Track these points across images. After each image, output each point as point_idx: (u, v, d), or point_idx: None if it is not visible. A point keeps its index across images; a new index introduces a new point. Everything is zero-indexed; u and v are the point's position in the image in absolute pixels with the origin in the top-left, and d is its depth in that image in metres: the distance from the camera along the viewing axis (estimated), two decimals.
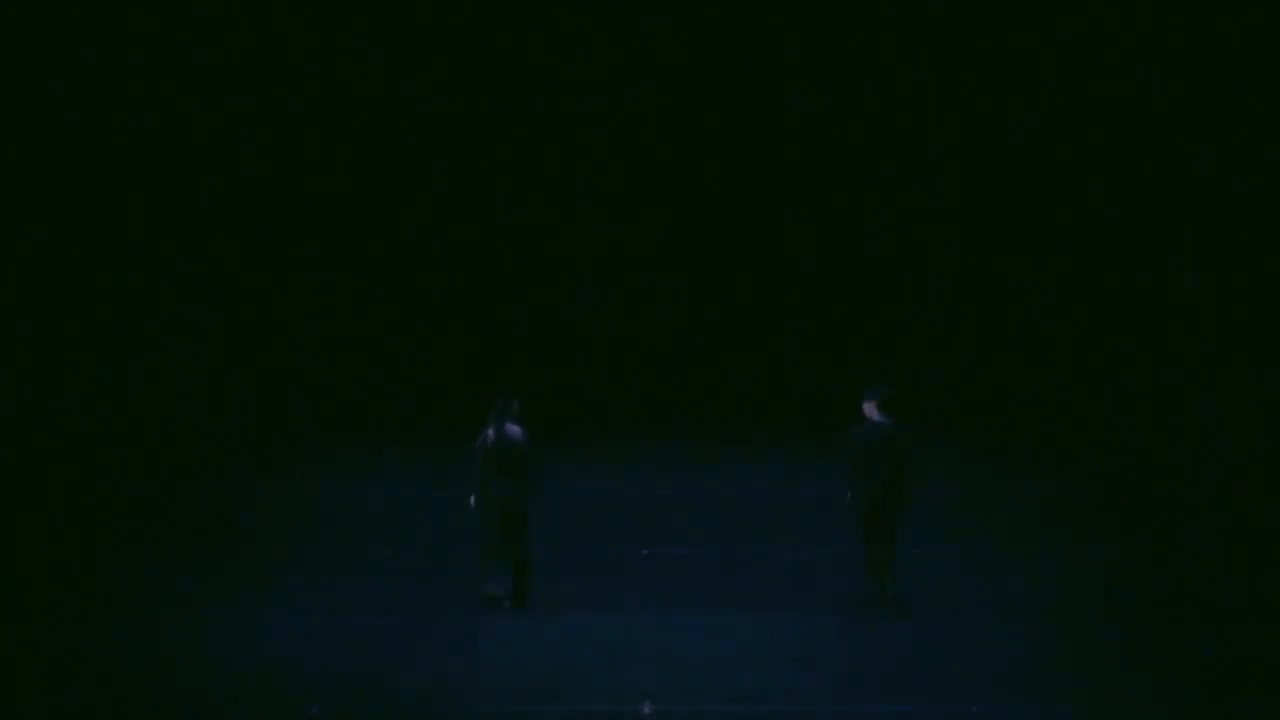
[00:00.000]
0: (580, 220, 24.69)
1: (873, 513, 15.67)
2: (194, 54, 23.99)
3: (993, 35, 24.04)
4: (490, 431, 16.01)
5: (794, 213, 24.57)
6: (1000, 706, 13.61)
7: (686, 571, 17.05)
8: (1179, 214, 24.00)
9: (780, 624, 15.46)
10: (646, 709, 13.60)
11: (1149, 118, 24.00)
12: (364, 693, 13.93)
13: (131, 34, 23.82)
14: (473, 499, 16.04)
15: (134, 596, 16.31)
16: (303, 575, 16.91)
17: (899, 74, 24.17)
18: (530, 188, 24.68)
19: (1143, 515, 19.08)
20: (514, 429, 16.06)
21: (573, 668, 14.44)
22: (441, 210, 24.70)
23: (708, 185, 24.66)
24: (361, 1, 24.24)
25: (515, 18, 24.15)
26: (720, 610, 15.83)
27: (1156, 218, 24.17)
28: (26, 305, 23.73)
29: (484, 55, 24.29)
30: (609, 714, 13.52)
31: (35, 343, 23.66)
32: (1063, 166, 24.30)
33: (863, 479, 15.66)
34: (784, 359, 24.01)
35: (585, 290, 24.70)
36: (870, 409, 15.88)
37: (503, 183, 24.69)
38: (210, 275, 24.45)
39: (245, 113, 24.25)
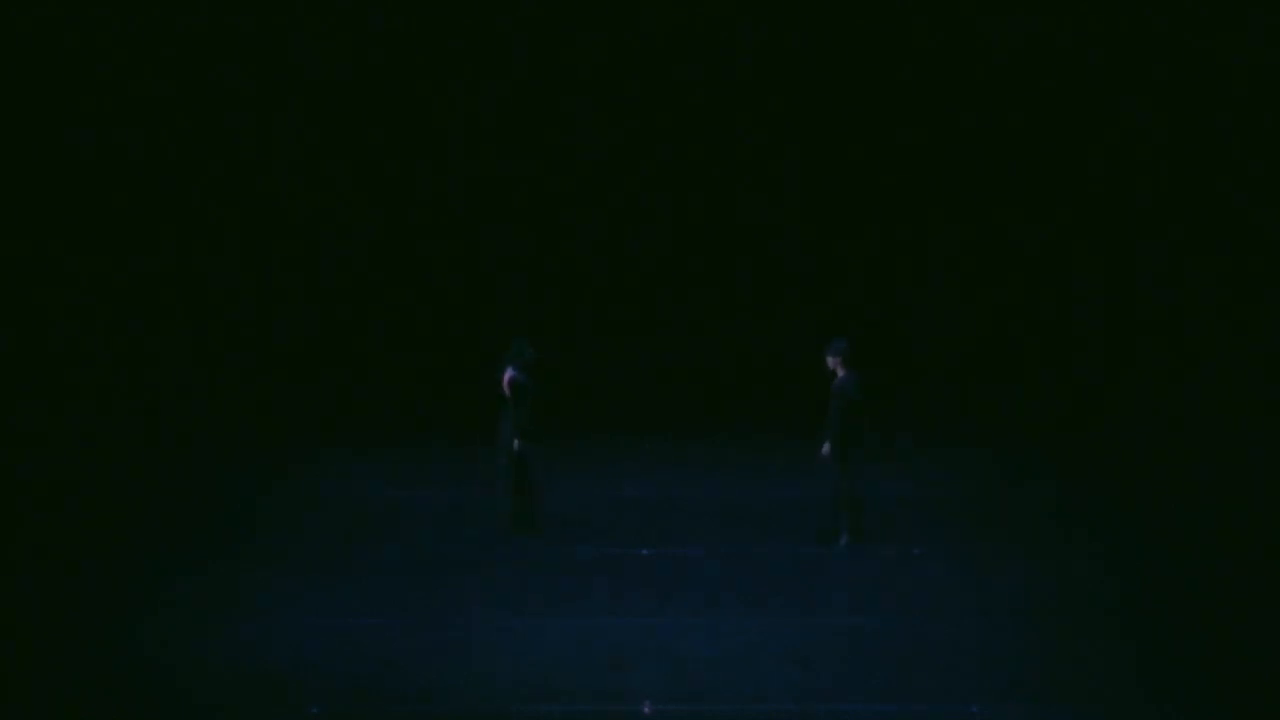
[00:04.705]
0: (578, 216, 24.72)
1: (855, 455, 17.34)
2: (184, 51, 23.99)
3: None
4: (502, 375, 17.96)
5: (794, 212, 24.58)
6: (1000, 706, 13.62)
7: (686, 571, 17.06)
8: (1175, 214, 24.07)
9: (780, 624, 15.47)
10: (646, 709, 13.61)
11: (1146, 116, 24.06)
12: (364, 693, 13.94)
13: (117, 24, 23.82)
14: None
15: (132, 597, 16.30)
16: (302, 576, 16.91)
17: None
18: (524, 191, 24.69)
19: (1144, 515, 19.08)
20: (512, 373, 17.76)
21: (573, 668, 14.44)
22: (440, 210, 24.70)
23: (705, 189, 24.67)
24: None
25: None
26: (720, 610, 15.84)
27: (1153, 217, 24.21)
28: (20, 301, 23.72)
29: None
30: (609, 714, 13.53)
31: (32, 341, 23.65)
32: (1062, 166, 24.32)
33: (849, 429, 17.35)
34: (784, 359, 24.00)
35: (584, 291, 24.73)
36: (835, 364, 17.53)
37: (502, 185, 24.71)
38: (207, 274, 24.44)
39: (237, 109, 24.23)
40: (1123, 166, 24.24)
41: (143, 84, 24.00)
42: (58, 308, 23.91)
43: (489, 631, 15.32)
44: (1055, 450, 22.05)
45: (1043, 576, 16.84)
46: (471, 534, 18.23)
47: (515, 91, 24.48)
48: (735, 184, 24.67)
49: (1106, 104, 24.12)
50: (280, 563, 17.36)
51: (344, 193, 24.57)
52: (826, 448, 17.57)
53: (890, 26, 24.20)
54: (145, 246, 24.25)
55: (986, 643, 15.01)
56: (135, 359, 24.00)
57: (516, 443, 17.81)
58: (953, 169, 24.44)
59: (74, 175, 23.93)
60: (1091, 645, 14.94)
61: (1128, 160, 24.20)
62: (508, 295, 24.55)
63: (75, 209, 23.94)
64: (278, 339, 24.47)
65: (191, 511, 19.38)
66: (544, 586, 16.56)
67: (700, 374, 24.39)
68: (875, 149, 24.44)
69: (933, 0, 24.15)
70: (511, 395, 17.87)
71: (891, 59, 24.26)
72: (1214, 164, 23.88)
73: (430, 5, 24.35)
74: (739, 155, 24.61)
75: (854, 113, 24.44)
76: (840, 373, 17.56)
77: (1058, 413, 23.43)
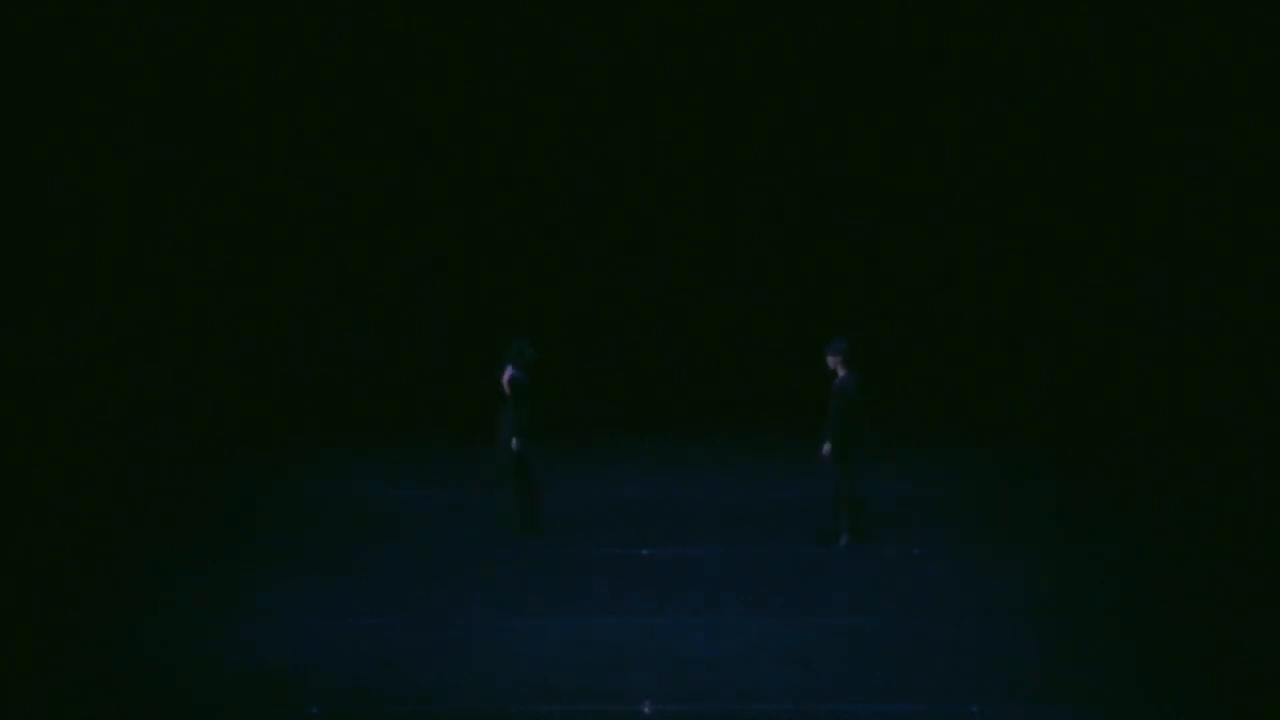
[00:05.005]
0: (577, 217, 24.70)
1: (855, 455, 17.53)
2: (187, 50, 23.98)
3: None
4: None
5: (793, 212, 24.58)
6: (1000, 706, 13.62)
7: (686, 571, 17.06)
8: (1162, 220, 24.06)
9: (780, 624, 15.47)
10: (646, 709, 13.60)
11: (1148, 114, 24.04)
12: (364, 693, 13.94)
13: (123, 23, 23.82)
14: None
15: (133, 597, 16.30)
16: (302, 576, 16.92)
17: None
18: (524, 191, 24.67)
19: (1143, 515, 19.08)
20: (513, 372, 17.85)
21: (573, 668, 14.44)
22: (439, 209, 24.69)
23: (706, 189, 24.66)
24: None
25: None
26: (720, 610, 15.84)
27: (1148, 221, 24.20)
28: (20, 301, 23.71)
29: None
30: (609, 714, 13.53)
31: (31, 339, 23.63)
32: (1063, 166, 24.31)
33: (849, 429, 17.40)
34: (785, 360, 23.99)
35: (584, 292, 24.71)
36: (835, 364, 17.64)
37: (499, 185, 24.69)
38: (206, 274, 24.42)
39: (237, 109, 24.22)
40: (1123, 167, 24.22)
41: (143, 84, 23.98)
42: (57, 307, 23.88)
43: (489, 631, 15.32)
44: (1055, 450, 22.05)
45: (1043, 576, 16.84)
46: (471, 534, 18.24)
47: (515, 91, 24.46)
48: (735, 184, 24.65)
49: (1109, 105, 24.09)
50: (280, 563, 17.36)
51: (344, 192, 24.55)
52: (826, 447, 17.58)
53: (890, 27, 24.17)
54: (144, 245, 24.22)
55: (986, 643, 15.01)
56: (135, 358, 23.97)
57: (516, 442, 17.82)
58: (954, 168, 24.41)
59: (73, 175, 23.90)
60: (1091, 645, 14.94)
61: (1129, 161, 24.17)
62: (508, 295, 24.53)
63: (74, 209, 23.91)
64: (278, 338, 24.44)
65: (191, 511, 19.38)
66: (544, 586, 16.56)
67: (700, 374, 24.38)
68: (875, 149, 24.41)
69: (933, 1, 24.14)
70: (511, 395, 17.89)
71: (892, 59, 24.23)
72: (1214, 164, 23.85)
73: (431, 5, 24.34)
74: (739, 155, 24.59)
75: (854, 113, 24.41)
76: (840, 373, 17.61)
77: (1058, 413, 23.43)
